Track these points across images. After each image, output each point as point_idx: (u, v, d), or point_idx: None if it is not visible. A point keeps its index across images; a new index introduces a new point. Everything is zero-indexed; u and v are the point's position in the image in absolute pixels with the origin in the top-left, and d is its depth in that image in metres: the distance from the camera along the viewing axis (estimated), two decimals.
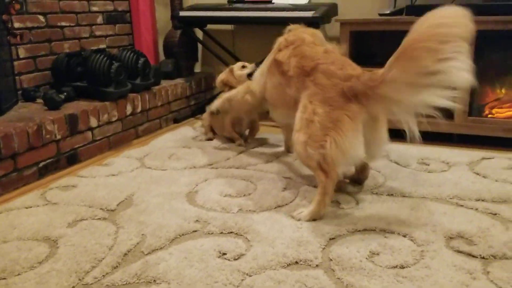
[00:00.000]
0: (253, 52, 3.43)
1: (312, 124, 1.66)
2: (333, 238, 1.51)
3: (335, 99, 1.64)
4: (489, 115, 2.50)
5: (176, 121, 3.17)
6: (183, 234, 1.55)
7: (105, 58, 2.46)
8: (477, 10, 2.37)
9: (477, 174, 2.05)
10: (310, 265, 1.35)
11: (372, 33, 2.90)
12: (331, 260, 1.38)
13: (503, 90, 2.49)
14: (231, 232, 1.56)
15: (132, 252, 1.44)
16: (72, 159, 2.29)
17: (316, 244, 1.46)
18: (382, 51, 2.93)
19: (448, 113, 2.63)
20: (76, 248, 1.46)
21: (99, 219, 1.67)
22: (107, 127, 2.50)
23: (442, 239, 1.49)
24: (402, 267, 1.33)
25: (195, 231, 1.57)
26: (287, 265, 1.36)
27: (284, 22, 3.04)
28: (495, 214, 1.66)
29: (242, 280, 1.28)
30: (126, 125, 2.66)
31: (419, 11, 2.51)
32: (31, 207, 1.78)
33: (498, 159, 2.24)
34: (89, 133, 2.38)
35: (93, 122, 2.39)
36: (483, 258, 1.38)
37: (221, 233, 1.56)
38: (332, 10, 2.92)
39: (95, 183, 2.01)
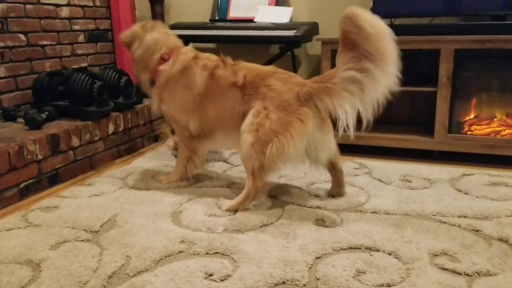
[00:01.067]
0: None
1: (262, 128, 1.79)
2: (319, 257, 1.51)
3: (290, 102, 1.79)
4: (468, 132, 2.55)
5: (158, 139, 3.15)
6: (168, 255, 1.53)
7: (87, 77, 2.44)
8: (455, 30, 2.46)
9: (459, 190, 2.09)
10: (297, 285, 1.35)
11: None
12: (318, 279, 1.38)
13: (481, 108, 2.56)
14: (217, 253, 1.55)
15: (117, 275, 1.42)
16: (54, 179, 2.25)
17: (303, 263, 1.46)
18: None
19: (428, 130, 2.70)
20: (60, 271, 1.43)
21: (82, 240, 1.65)
22: (89, 146, 2.47)
23: (426, 256, 1.50)
24: (389, 285, 1.34)
25: (181, 252, 1.55)
26: (274, 285, 1.35)
27: (266, 41, 3.11)
28: (478, 230, 1.69)
29: None
30: (108, 144, 2.63)
31: (399, 30, 2.59)
32: (12, 229, 1.74)
33: (478, 176, 2.28)
34: (71, 153, 2.35)
35: (75, 142, 2.36)
36: (468, 275, 1.40)
37: (207, 253, 1.54)
38: (313, 29, 2.97)
39: (77, 204, 1.98)
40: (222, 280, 1.38)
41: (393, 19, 2.88)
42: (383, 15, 2.77)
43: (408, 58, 2.84)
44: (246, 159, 1.84)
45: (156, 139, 3.13)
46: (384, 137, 2.68)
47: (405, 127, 2.89)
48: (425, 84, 2.62)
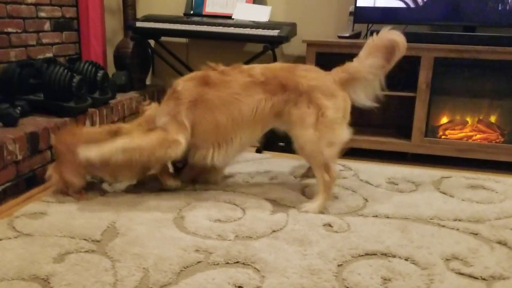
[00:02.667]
0: None
1: (325, 119, 1.90)
2: (340, 265, 1.51)
3: (333, 88, 1.95)
4: (443, 136, 2.68)
5: None
6: (187, 267, 1.46)
7: (66, 70, 2.27)
8: (432, 39, 2.56)
9: (444, 193, 2.18)
10: None
11: (333, 54, 2.96)
12: None
13: (455, 113, 2.69)
14: (238, 262, 1.50)
15: None
16: (31, 181, 2.08)
17: (328, 272, 1.46)
18: None
19: (401, 133, 2.80)
20: (75, 287, 1.32)
21: (87, 251, 1.53)
22: None
23: (440, 261, 1.55)
24: None
25: (199, 262, 1.49)
26: None
27: (247, 40, 3.06)
28: (476, 234, 1.77)
29: None
30: None
31: None
32: (1, 239, 1.59)
33: (455, 178, 2.39)
34: (48, 153, 2.18)
35: (53, 140, 2.18)
36: (484, 279, 1.46)
37: (227, 263, 1.50)
38: (293, 29, 2.97)
39: (67, 210, 1.84)
40: None
41: (370, 25, 2.95)
42: (362, 20, 2.86)
43: None
44: (316, 154, 1.91)
45: None
46: (364, 139, 2.74)
47: (378, 129, 2.97)
48: (395, 88, 2.70)
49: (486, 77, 2.60)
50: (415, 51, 2.56)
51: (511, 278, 1.46)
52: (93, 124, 2.51)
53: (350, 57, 2.89)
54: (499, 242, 1.70)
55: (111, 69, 3.32)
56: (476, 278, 1.46)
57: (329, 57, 2.99)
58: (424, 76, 2.58)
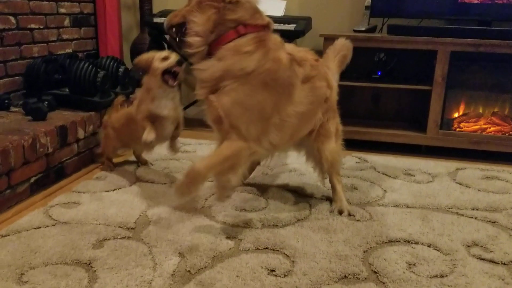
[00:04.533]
0: None
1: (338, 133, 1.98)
2: (366, 251, 1.57)
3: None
4: (458, 129, 2.73)
5: None
6: (220, 252, 1.53)
7: (91, 66, 2.33)
8: (448, 33, 2.61)
9: (460, 184, 2.24)
10: (359, 279, 1.41)
11: None
12: (376, 273, 1.44)
13: (469, 106, 2.74)
14: (267, 248, 1.57)
15: (178, 272, 1.40)
16: (60, 173, 2.14)
17: (355, 257, 1.52)
18: (356, 66, 3.07)
19: (414, 126, 2.85)
20: (118, 271, 1.39)
21: (123, 238, 1.60)
22: (91, 138, 2.37)
23: (461, 247, 1.61)
24: (442, 276, 1.44)
25: (231, 248, 1.56)
26: (338, 279, 1.40)
27: None
28: (494, 222, 1.83)
29: None
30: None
31: (400, 30, 2.71)
32: (40, 227, 1.65)
33: (470, 170, 2.45)
34: (75, 146, 2.25)
35: (81, 134, 2.25)
36: (504, 264, 1.52)
37: (257, 249, 1.56)
38: (309, 24, 3.01)
39: (98, 199, 1.90)
40: (285, 276, 1.40)
41: (385, 19, 2.99)
42: (379, 14, 2.91)
43: (398, 57, 2.97)
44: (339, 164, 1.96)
45: None
46: (380, 132, 2.79)
47: (392, 122, 3.02)
48: (410, 82, 2.75)
49: (501, 70, 2.65)
50: (431, 45, 2.61)
51: None
52: None
53: (366, 50, 2.95)
54: None
55: (127, 64, 3.38)
56: (496, 263, 1.52)
57: None
58: (440, 69, 2.62)
